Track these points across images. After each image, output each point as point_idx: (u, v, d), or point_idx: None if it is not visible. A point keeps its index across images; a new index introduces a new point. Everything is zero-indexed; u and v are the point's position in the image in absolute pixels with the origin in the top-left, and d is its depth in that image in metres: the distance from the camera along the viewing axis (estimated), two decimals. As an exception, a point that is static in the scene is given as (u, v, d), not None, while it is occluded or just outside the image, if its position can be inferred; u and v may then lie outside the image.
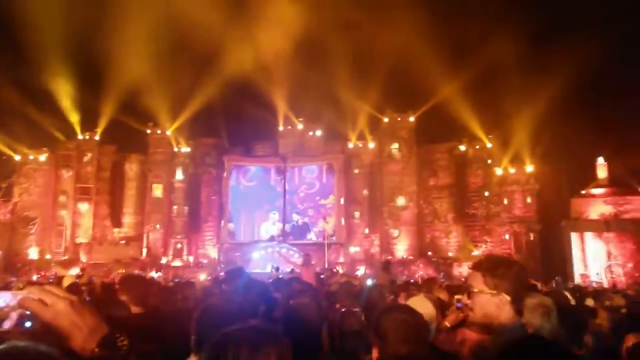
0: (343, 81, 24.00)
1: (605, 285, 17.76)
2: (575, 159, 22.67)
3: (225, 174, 26.13)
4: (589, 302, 5.98)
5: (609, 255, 20.73)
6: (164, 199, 25.50)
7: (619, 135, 22.08)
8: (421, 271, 22.07)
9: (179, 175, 25.89)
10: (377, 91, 24.29)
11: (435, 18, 23.24)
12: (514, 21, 22.10)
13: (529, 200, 24.14)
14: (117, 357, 1.15)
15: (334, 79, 23.99)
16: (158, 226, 25.07)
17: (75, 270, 21.18)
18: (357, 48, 24.84)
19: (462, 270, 22.09)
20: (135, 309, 3.34)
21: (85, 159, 25.44)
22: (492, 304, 1.86)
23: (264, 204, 26.30)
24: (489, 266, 1.91)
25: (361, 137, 25.85)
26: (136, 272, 17.01)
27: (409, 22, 22.62)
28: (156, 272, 20.96)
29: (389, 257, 21.56)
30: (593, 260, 20.87)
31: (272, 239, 24.16)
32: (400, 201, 24.26)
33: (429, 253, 23.94)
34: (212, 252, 25.42)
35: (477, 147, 24.56)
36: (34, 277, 19.17)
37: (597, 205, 21.79)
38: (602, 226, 21.14)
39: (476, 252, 23.41)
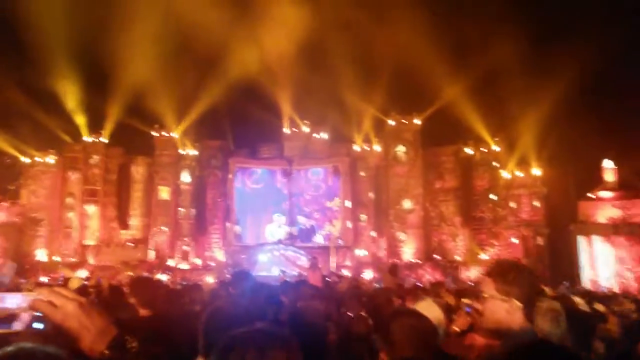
0: (348, 84, 24.03)
1: (616, 290, 17.59)
2: (582, 161, 22.51)
3: (230, 176, 26.17)
4: (599, 307, 5.93)
5: (618, 259, 20.55)
6: (171, 201, 25.58)
7: (626, 138, 21.90)
8: (428, 275, 21.99)
9: (185, 177, 25.96)
10: (383, 94, 24.30)
11: (440, 20, 23.21)
12: (519, 23, 21.98)
13: (536, 203, 24.00)
14: (126, 359, 1.15)
15: (339, 81, 24.02)
16: (165, 228, 25.15)
17: (82, 273, 21.32)
18: (362, 50, 24.86)
19: (470, 274, 22.01)
20: (143, 312, 3.35)
21: (92, 161, 25.56)
22: (503, 309, 1.85)
23: (269, 207, 26.32)
24: (499, 272, 1.91)
25: (367, 139, 25.82)
26: (145, 274, 17.05)
27: (414, 24, 22.60)
28: (164, 274, 21.02)
29: (396, 261, 21.51)
30: (602, 264, 20.70)
31: (279, 242, 24.18)
32: (407, 204, 24.20)
33: (436, 256, 23.85)
34: (219, 255, 25.47)
35: (484, 150, 24.46)
36: (43, 279, 19.26)
37: (605, 208, 21.62)
38: (611, 230, 20.96)
39: (483, 256, 23.31)
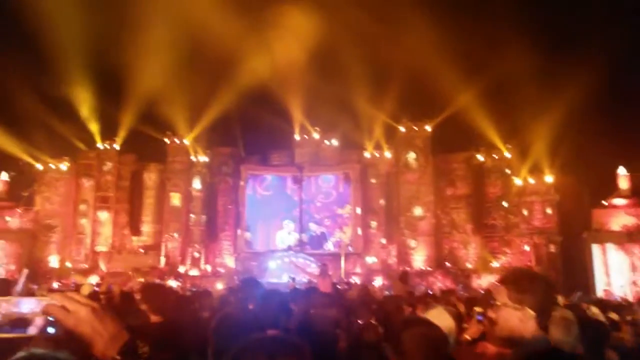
0: (359, 90, 24.04)
1: (630, 298, 17.32)
2: (596, 168, 22.24)
3: (242, 182, 26.26)
4: (613, 315, 5.85)
5: (633, 267, 20.26)
6: (182, 208, 25.70)
7: (640, 145, 21.67)
8: (439, 282, 21.82)
9: (197, 184, 26.09)
10: (393, 100, 24.23)
11: (452, 27, 23.16)
12: (532, 30, 21.91)
13: (549, 211, 23.73)
14: (137, 364, 1.16)
15: (349, 88, 24.03)
16: (176, 235, 25.26)
17: (94, 279, 21.48)
18: (373, 57, 24.85)
19: (481, 281, 21.80)
20: (154, 318, 3.36)
21: (105, 168, 25.78)
22: (515, 317, 1.84)
23: (280, 213, 26.34)
24: (513, 280, 1.90)
25: (377, 146, 25.79)
26: (156, 281, 17.14)
27: (425, 30, 22.59)
28: (175, 281, 21.10)
29: (407, 268, 21.39)
30: (616, 272, 20.41)
31: (289, 248, 24.17)
32: (418, 211, 24.08)
33: (447, 264, 23.67)
34: (229, 261, 25.50)
35: (495, 156, 24.29)
36: (55, 285, 19.43)
37: (619, 216, 21.34)
38: (625, 237, 20.68)
39: (495, 264, 23.09)
